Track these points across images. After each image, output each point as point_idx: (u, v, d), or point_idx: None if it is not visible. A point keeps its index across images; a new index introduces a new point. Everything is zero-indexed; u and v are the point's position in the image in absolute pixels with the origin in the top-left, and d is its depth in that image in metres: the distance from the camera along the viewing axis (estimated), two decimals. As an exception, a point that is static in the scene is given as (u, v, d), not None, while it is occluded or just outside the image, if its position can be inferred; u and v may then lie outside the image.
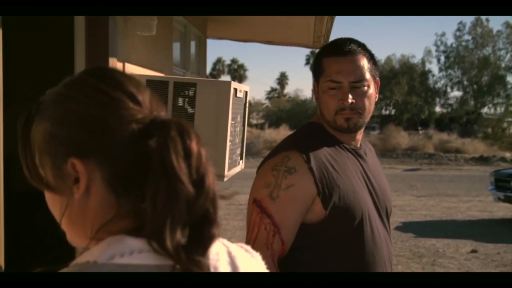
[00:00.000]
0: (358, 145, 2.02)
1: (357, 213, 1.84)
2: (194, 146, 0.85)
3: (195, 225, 0.82)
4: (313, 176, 1.79)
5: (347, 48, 1.92)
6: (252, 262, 0.97)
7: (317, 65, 1.97)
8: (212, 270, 0.85)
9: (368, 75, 1.92)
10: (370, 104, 1.95)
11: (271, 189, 1.79)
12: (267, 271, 1.00)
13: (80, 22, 3.03)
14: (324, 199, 1.79)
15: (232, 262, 0.91)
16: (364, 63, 1.92)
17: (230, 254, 0.92)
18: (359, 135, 2.02)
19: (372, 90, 1.94)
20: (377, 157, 2.20)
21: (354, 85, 1.89)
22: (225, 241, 0.94)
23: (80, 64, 3.02)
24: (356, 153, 1.99)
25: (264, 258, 1.69)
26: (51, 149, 0.87)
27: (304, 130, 2.03)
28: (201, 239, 0.82)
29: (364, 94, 1.91)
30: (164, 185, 0.80)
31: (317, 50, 6.46)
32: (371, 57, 1.97)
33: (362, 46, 1.96)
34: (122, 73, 0.94)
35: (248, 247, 1.00)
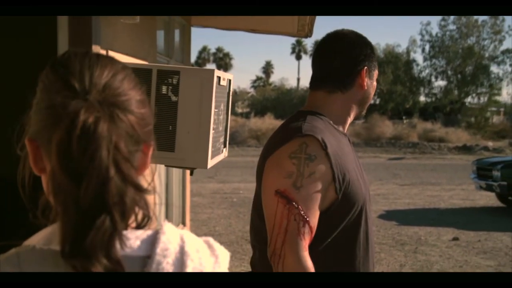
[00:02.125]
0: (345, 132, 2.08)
1: (360, 198, 1.89)
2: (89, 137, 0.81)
3: (90, 217, 0.80)
4: (330, 162, 1.80)
5: None
6: (209, 261, 0.92)
7: (375, 56, 2.07)
8: (154, 266, 0.85)
9: None
10: None
11: (294, 179, 1.77)
12: (224, 270, 0.94)
13: (62, 9, 3.03)
14: (338, 185, 1.82)
15: (180, 260, 0.88)
16: None
17: (182, 251, 0.88)
18: None
19: None
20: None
21: None
22: (186, 235, 0.92)
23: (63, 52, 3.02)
24: (347, 139, 2.04)
25: (299, 248, 1.73)
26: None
27: (305, 116, 1.96)
28: (96, 234, 0.80)
29: None
30: (53, 177, 0.82)
31: (303, 40, 6.44)
32: None
33: None
34: (82, 55, 0.91)
35: (214, 243, 0.95)
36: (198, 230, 9.18)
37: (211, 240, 0.95)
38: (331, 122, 1.98)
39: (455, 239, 8.78)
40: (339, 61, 2.00)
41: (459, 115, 45.83)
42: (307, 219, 1.75)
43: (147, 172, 0.97)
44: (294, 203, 1.75)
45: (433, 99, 52.69)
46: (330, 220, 1.84)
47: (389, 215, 10.78)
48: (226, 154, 3.93)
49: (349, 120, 2.07)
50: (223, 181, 15.22)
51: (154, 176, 0.97)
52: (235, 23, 6.92)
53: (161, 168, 4.95)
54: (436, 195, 13.51)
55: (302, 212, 1.75)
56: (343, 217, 1.86)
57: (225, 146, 3.86)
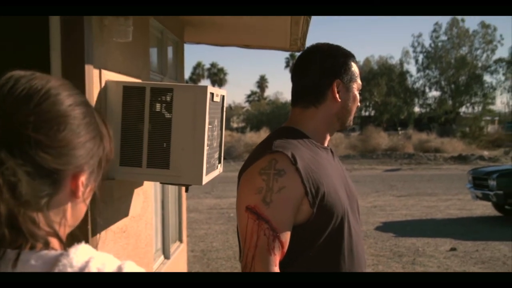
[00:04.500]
0: (327, 146, 2.08)
1: (339, 210, 1.89)
2: None
3: None
4: (300, 177, 1.82)
5: None
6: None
7: (351, 68, 2.04)
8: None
9: None
10: None
11: (263, 194, 1.79)
12: None
13: (55, 28, 3.04)
14: (311, 199, 1.83)
15: None
16: None
17: (83, 269, 0.86)
18: None
19: None
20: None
21: None
22: (96, 259, 0.89)
23: (56, 71, 3.03)
24: (328, 153, 2.05)
25: (268, 263, 1.74)
26: None
27: (281, 133, 2.03)
28: None
29: None
30: None
31: (296, 54, 6.48)
32: None
33: None
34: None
35: (127, 269, 0.90)
36: (196, 246, 9.15)
37: (126, 264, 0.90)
38: (309, 136, 2.00)
39: (453, 249, 8.77)
40: (310, 76, 2.02)
41: (453, 125, 46.00)
42: (277, 234, 1.77)
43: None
44: (263, 219, 1.77)
45: (428, 109, 52.92)
46: (309, 233, 1.86)
47: (386, 227, 10.77)
48: (221, 170, 3.94)
49: (328, 134, 2.07)
50: (220, 196, 15.20)
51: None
52: (228, 39, 6.96)
53: (157, 185, 4.95)
54: (433, 205, 13.51)
55: (272, 227, 1.77)
56: (322, 230, 1.87)
57: (220, 162, 3.87)
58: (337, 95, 2.00)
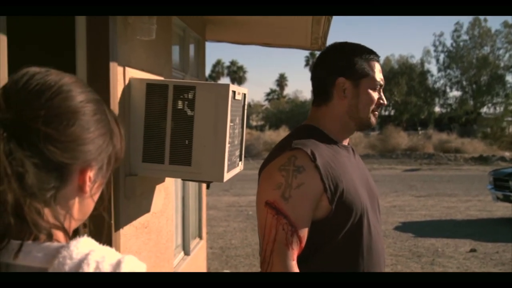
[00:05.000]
0: (347, 144, 2.11)
1: (358, 208, 1.92)
2: None
3: None
4: (319, 174, 1.85)
5: (379, 55, 2.10)
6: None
7: (359, 65, 2.03)
8: (66, 268, 0.86)
9: None
10: None
11: (282, 190, 1.84)
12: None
13: (81, 28, 3.09)
14: (330, 195, 1.86)
15: (75, 270, 0.87)
16: None
17: (79, 267, 0.87)
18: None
19: None
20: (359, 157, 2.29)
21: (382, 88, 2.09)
22: (96, 252, 0.89)
23: (81, 69, 3.08)
24: (349, 151, 2.07)
25: (286, 257, 1.77)
26: None
27: (301, 131, 2.08)
28: None
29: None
30: None
31: (316, 52, 6.48)
32: None
33: None
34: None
35: (126, 263, 0.90)
36: (214, 243, 9.20)
37: (126, 258, 0.90)
38: (328, 134, 2.04)
39: (473, 250, 8.71)
40: (317, 74, 2.08)
41: (474, 126, 45.50)
42: (296, 229, 1.81)
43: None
44: (282, 214, 1.82)
45: (448, 109, 52.41)
46: (328, 229, 1.89)
47: (405, 227, 10.72)
48: (242, 167, 3.97)
49: (345, 132, 2.08)
50: (239, 194, 15.24)
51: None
52: (249, 38, 6.98)
53: (178, 181, 5.00)
54: (453, 206, 13.42)
55: (291, 222, 1.81)
56: (341, 227, 1.90)
57: (240, 160, 3.90)
58: (343, 93, 2.02)
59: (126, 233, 3.37)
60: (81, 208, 0.99)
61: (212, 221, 10.93)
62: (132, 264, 0.90)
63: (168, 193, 4.34)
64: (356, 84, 2.02)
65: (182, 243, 5.39)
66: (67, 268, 0.86)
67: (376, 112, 2.08)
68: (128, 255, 0.91)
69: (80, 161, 0.94)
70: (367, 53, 2.06)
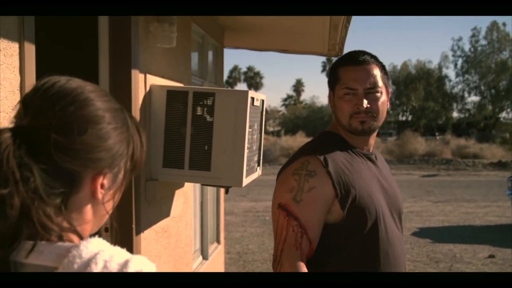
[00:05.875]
0: (370, 150, 2.14)
1: (372, 213, 1.95)
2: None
3: None
4: (331, 179, 1.92)
5: (361, 58, 2.07)
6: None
7: (332, 75, 2.13)
8: (75, 267, 0.88)
9: (381, 83, 2.06)
10: (383, 109, 2.09)
11: (294, 193, 1.91)
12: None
13: (104, 35, 3.16)
14: (341, 201, 1.91)
15: (83, 269, 0.88)
16: (377, 72, 2.07)
17: (86, 266, 0.88)
18: (372, 140, 2.14)
19: (384, 97, 2.08)
20: (386, 163, 2.31)
21: (369, 91, 2.04)
22: (106, 252, 0.90)
23: (104, 76, 3.15)
24: (368, 158, 2.12)
25: (294, 258, 1.82)
26: None
27: (320, 137, 2.17)
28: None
29: (378, 99, 2.05)
30: None
31: (333, 58, 6.51)
32: (383, 67, 2.11)
33: (375, 58, 2.11)
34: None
35: (133, 263, 0.90)
36: (232, 248, 9.24)
37: (134, 258, 0.91)
38: (347, 140, 2.10)
39: (491, 256, 8.65)
40: None
41: (493, 131, 45.08)
42: (306, 231, 1.88)
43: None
44: (293, 216, 1.89)
45: (467, 114, 51.99)
46: (343, 234, 1.94)
47: (423, 233, 10.67)
48: (260, 173, 4.01)
49: (350, 137, 2.10)
50: (255, 199, 15.27)
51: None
52: (266, 44, 7.04)
53: (197, 187, 5.05)
54: (471, 212, 13.32)
55: (301, 224, 1.88)
56: (355, 232, 1.95)
57: (259, 165, 3.94)
58: (332, 104, 2.12)
59: (147, 237, 3.42)
60: (95, 213, 1.01)
61: (230, 227, 10.98)
62: (140, 264, 0.90)
63: (187, 198, 4.40)
64: (334, 93, 2.11)
65: (201, 248, 5.44)
66: (75, 267, 0.87)
67: (358, 116, 2.03)
68: (137, 255, 0.92)
69: (90, 168, 0.97)
70: (346, 60, 2.11)
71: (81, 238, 0.96)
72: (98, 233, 1.01)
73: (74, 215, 0.97)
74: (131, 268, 0.89)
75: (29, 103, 0.96)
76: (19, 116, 0.96)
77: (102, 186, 0.99)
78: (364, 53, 2.10)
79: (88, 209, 0.99)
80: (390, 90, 2.18)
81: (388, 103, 2.15)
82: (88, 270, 0.87)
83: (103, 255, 0.89)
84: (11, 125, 0.95)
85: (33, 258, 0.90)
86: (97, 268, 0.87)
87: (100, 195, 0.99)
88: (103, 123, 0.98)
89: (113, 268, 0.88)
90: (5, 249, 0.90)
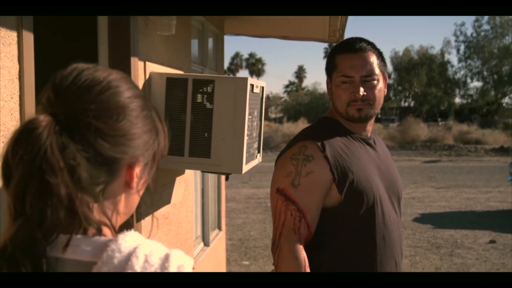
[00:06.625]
0: (368, 136, 2.15)
1: (369, 197, 1.98)
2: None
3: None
4: (328, 164, 1.94)
5: (358, 46, 2.08)
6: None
7: (330, 63, 2.14)
8: (115, 262, 0.87)
9: (377, 70, 2.07)
10: (380, 96, 2.11)
11: (292, 177, 1.94)
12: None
13: (103, 24, 3.16)
14: (339, 185, 1.94)
15: (119, 269, 0.86)
16: (374, 59, 2.07)
17: (127, 260, 0.87)
18: (369, 126, 2.16)
19: (381, 84, 2.10)
20: (387, 148, 2.32)
21: (365, 79, 2.06)
22: (144, 246, 0.89)
23: (103, 63, 3.16)
24: (367, 143, 2.14)
25: (293, 242, 1.84)
26: None
27: (318, 123, 2.19)
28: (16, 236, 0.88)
29: (374, 87, 2.07)
30: None
31: (334, 44, 6.49)
32: (380, 55, 2.12)
33: (372, 45, 2.12)
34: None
35: (174, 257, 0.90)
36: (233, 235, 9.29)
37: (174, 252, 0.91)
38: (344, 125, 2.12)
39: (492, 242, 8.69)
40: None
41: (496, 116, 45.00)
42: (304, 215, 1.91)
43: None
44: (291, 200, 1.92)
45: (469, 100, 51.89)
46: (340, 217, 1.97)
47: (424, 218, 10.71)
48: (260, 160, 4.03)
49: (348, 124, 2.12)
50: (257, 186, 15.30)
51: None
52: (267, 31, 7.02)
53: (197, 174, 5.07)
54: (473, 197, 13.35)
55: (299, 208, 1.91)
56: (352, 215, 1.98)
57: (259, 152, 3.96)
58: (330, 91, 2.14)
59: (148, 224, 3.45)
60: (127, 203, 0.99)
61: (231, 213, 11.02)
62: (181, 258, 0.90)
63: (188, 185, 4.42)
64: (331, 81, 2.13)
65: (202, 234, 5.47)
66: (116, 262, 0.86)
67: (354, 104, 2.05)
68: (175, 249, 0.92)
69: (128, 156, 0.95)
70: (343, 47, 2.12)
71: (114, 230, 0.95)
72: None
73: (108, 206, 0.95)
74: (173, 262, 0.88)
75: (60, 90, 0.93)
76: (49, 104, 0.92)
77: (136, 175, 0.98)
78: (361, 40, 2.11)
79: (122, 199, 0.98)
80: (387, 77, 2.19)
81: (385, 90, 2.16)
82: (129, 265, 0.85)
83: (142, 249, 0.87)
84: (43, 112, 0.91)
85: (69, 253, 0.88)
86: (138, 262, 0.86)
87: (134, 185, 0.98)
88: (137, 110, 0.97)
89: (155, 262, 0.87)
90: (43, 243, 0.87)
